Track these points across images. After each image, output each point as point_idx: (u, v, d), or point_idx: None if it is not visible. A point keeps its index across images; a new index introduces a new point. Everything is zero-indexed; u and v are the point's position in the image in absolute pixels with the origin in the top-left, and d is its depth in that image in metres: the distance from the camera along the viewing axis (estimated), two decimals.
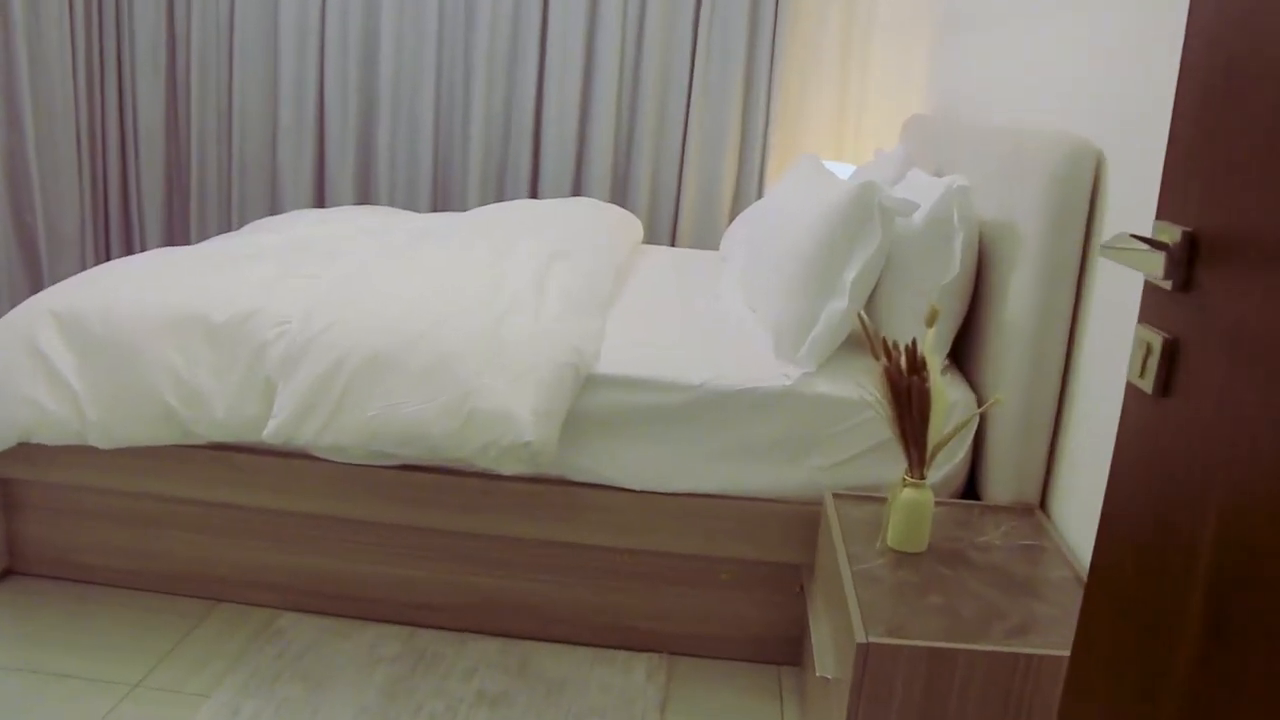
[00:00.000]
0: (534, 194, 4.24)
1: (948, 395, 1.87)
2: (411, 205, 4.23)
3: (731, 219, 4.24)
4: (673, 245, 4.23)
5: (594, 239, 2.95)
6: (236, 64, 4.19)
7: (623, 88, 4.12)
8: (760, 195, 4.17)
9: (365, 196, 4.29)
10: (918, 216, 2.21)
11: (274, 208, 4.33)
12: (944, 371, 2.29)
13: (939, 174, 2.82)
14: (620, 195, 4.25)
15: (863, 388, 2.19)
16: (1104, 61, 2.02)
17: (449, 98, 4.17)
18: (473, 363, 2.14)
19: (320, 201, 4.33)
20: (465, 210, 3.92)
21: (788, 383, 2.20)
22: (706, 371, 2.23)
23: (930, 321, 1.84)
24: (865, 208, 2.18)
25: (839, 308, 2.21)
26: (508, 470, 2.13)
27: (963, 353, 2.40)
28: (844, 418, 2.21)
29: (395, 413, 2.12)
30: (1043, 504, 2.15)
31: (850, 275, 2.20)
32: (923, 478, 1.88)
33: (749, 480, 2.22)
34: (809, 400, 2.21)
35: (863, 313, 1.91)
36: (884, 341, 1.86)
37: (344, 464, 2.25)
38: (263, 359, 2.24)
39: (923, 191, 2.32)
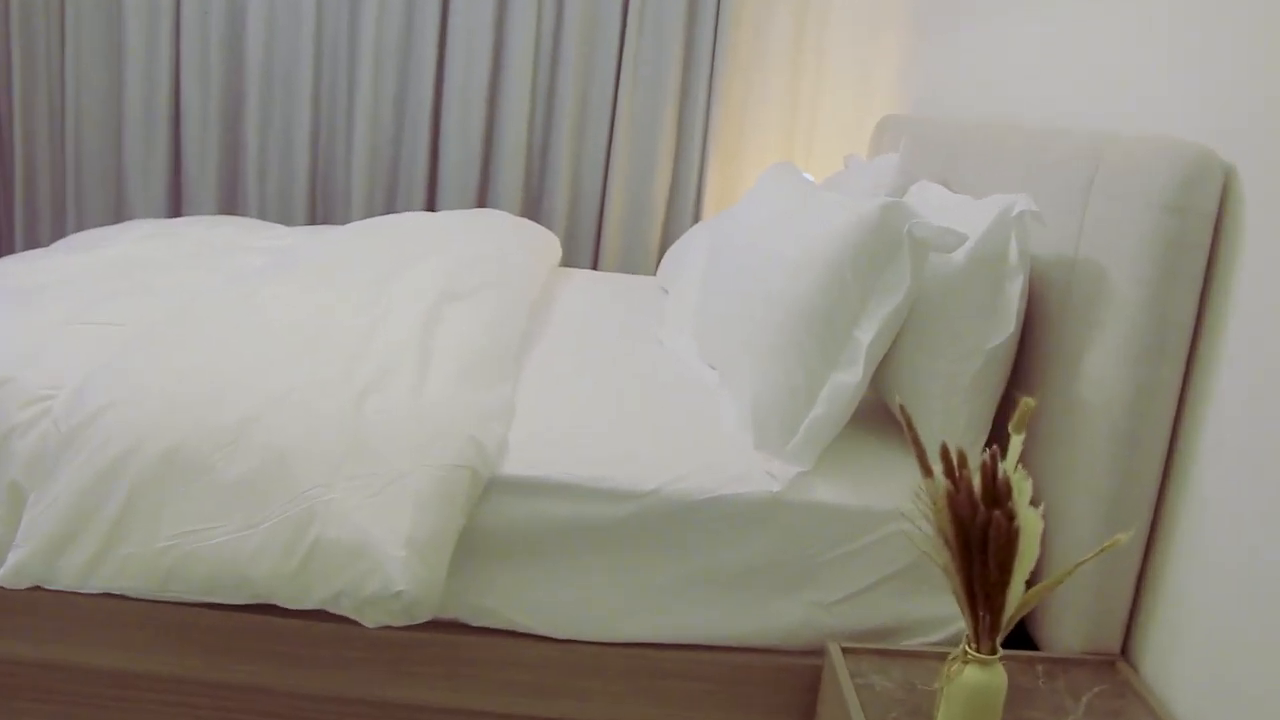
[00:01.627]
0: (431, 205, 3.50)
1: (1036, 536, 1.21)
2: (286, 217, 3.45)
3: (665, 236, 3.55)
4: (595, 268, 3.54)
5: (500, 270, 2.24)
6: (70, 42, 3.37)
7: (538, 80, 3.41)
8: (698, 208, 3.50)
9: (231, 205, 3.50)
10: (959, 252, 1.55)
11: (120, 217, 3.52)
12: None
13: (947, 187, 2.15)
14: (533, 207, 3.53)
15: (886, 496, 1.53)
16: (1213, 43, 1.38)
17: (330, 89, 3.40)
18: (318, 467, 1.42)
19: (176, 210, 3.53)
20: (346, 224, 3.17)
21: (776, 488, 1.53)
22: (660, 470, 1.54)
23: (1021, 425, 1.18)
24: (890, 240, 1.51)
25: (848, 382, 1.54)
26: (370, 624, 1.42)
27: (998, 441, 1.73)
28: (852, 535, 1.54)
29: (199, 543, 1.38)
30: (1125, 650, 1.52)
31: (865, 335, 1.53)
32: (994, 651, 1.23)
33: (721, 624, 1.54)
34: (804, 511, 1.54)
35: (902, 402, 1.26)
36: (944, 450, 1.19)
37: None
38: (7, 454, 1.49)
39: (952, 215, 1.66)
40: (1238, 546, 1.30)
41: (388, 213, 3.49)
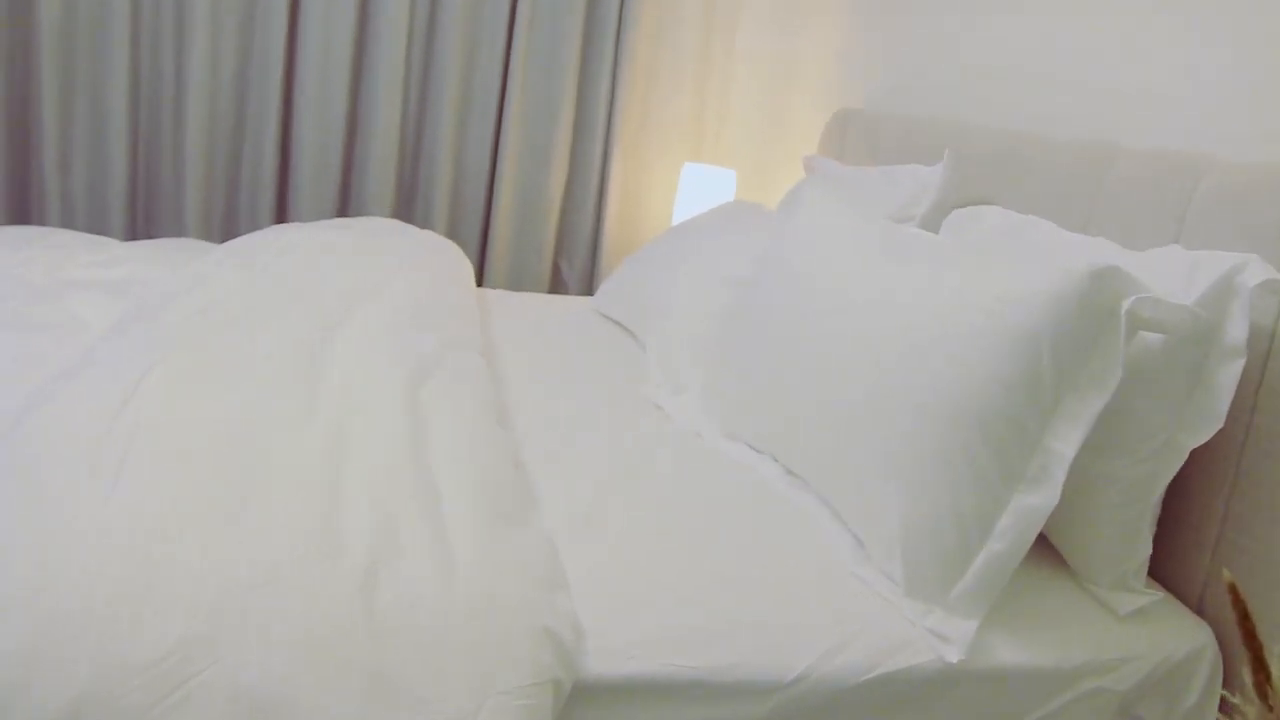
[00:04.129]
0: (281, 212, 2.80)
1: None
2: (97, 225, 2.65)
3: (560, 244, 3.01)
4: (481, 278, 2.96)
5: (450, 321, 1.67)
6: None
7: (412, 59, 2.77)
8: (600, 211, 2.97)
9: (23, 213, 2.66)
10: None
11: None
12: (1133, 585, 1.26)
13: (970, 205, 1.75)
14: (406, 208, 2.90)
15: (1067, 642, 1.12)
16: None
17: (153, 68, 2.62)
18: None
19: None
20: (181, 238, 2.44)
21: (955, 657, 1.09)
22: (797, 645, 1.06)
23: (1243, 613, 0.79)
24: (1099, 318, 1.08)
25: (1037, 506, 1.11)
26: None
27: (1172, 554, 1.36)
28: (1042, 700, 1.13)
29: None
30: None
31: (1064, 445, 1.10)
32: None
33: None
34: (987, 680, 1.10)
35: (1231, 578, 0.85)
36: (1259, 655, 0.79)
37: None
38: None
39: (1056, 253, 1.25)
40: None
41: (228, 217, 2.76)
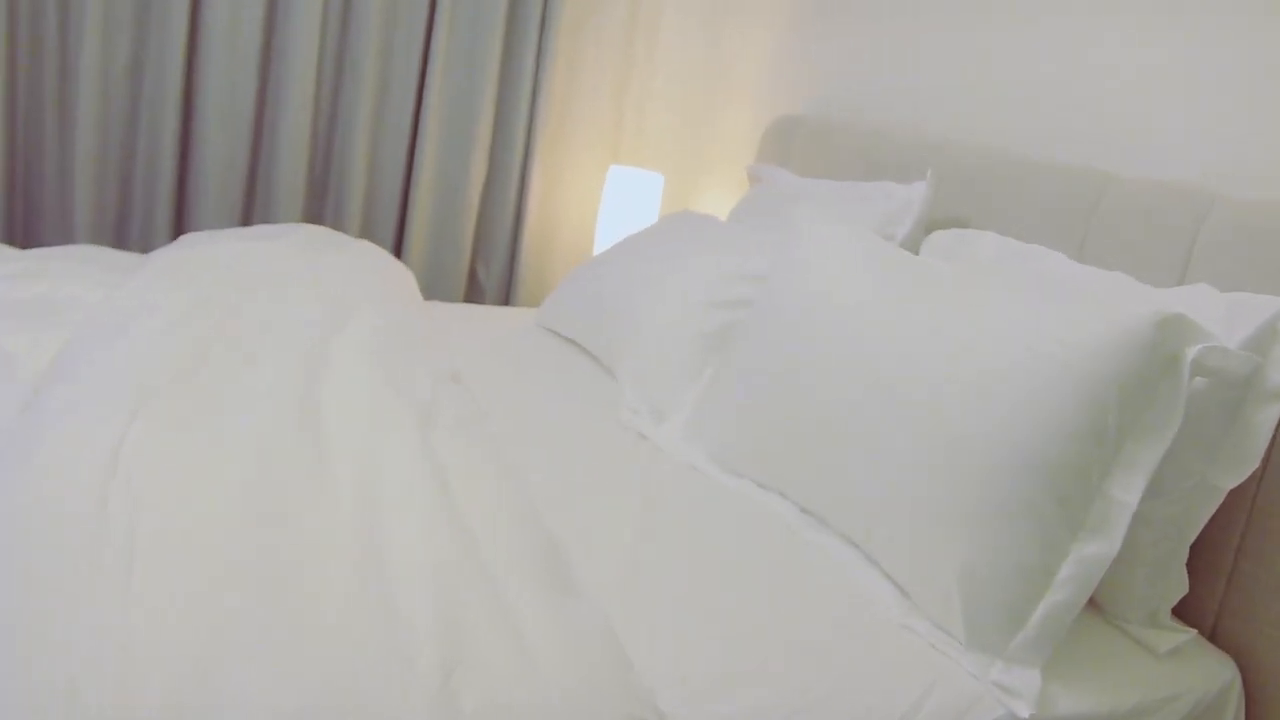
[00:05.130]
0: (180, 214, 2.54)
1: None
2: None
3: (477, 249, 2.86)
4: None
5: (424, 349, 1.54)
6: None
7: (325, 49, 2.57)
8: (520, 214, 2.84)
9: None
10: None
11: None
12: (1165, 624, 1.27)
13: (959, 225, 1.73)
14: (316, 206, 2.70)
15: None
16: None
17: (33, 53, 2.33)
18: None
19: None
20: (86, 245, 2.17)
21: (1025, 712, 1.05)
22: (870, 712, 1.01)
23: None
24: (1161, 365, 1.07)
25: (1098, 555, 1.08)
26: None
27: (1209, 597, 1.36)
28: None
29: None
30: None
31: (1126, 493, 1.08)
32: None
33: None
34: None
35: None
36: None
37: None
38: None
39: (1067, 287, 1.24)
40: None
41: (120, 220, 2.50)
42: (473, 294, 2.89)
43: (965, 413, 1.14)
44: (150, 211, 2.49)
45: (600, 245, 2.76)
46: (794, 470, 1.37)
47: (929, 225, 1.77)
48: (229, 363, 1.29)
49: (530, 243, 2.86)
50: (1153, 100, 1.58)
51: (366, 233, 2.72)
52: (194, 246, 1.81)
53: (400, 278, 1.90)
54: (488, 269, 2.87)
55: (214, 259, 1.72)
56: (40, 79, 2.33)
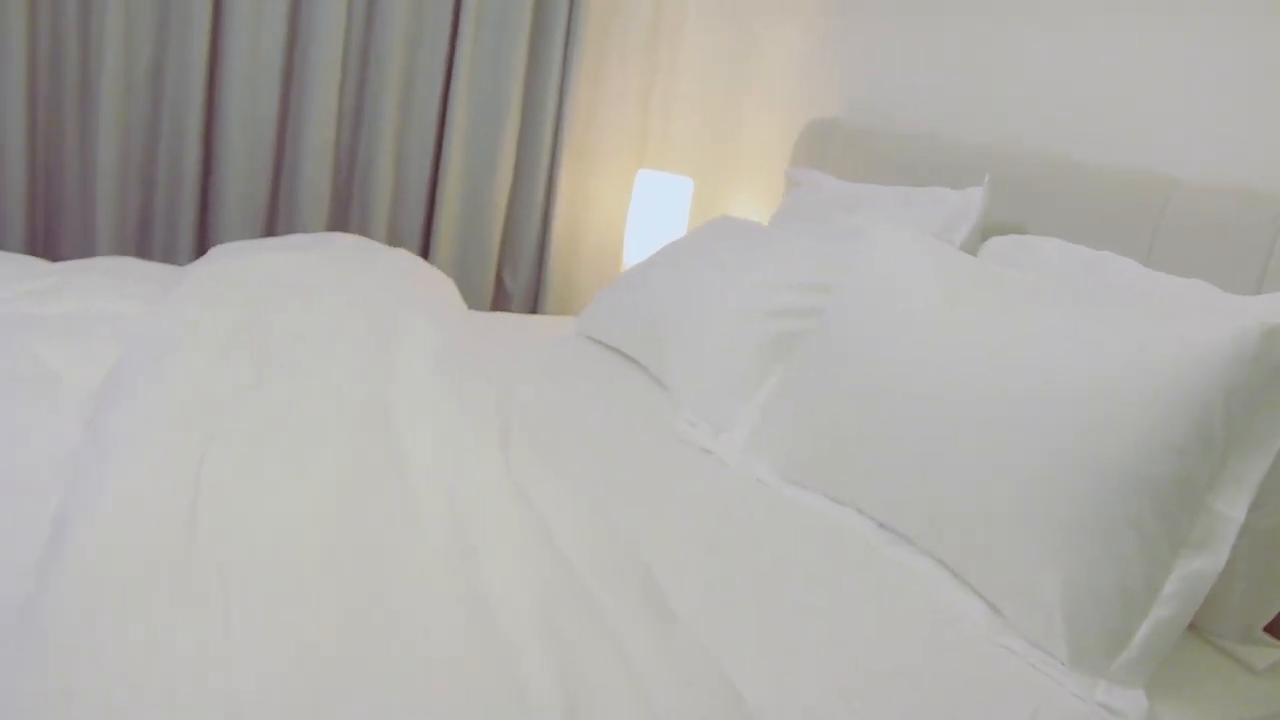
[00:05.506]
0: (203, 221, 2.50)
1: None
2: None
3: (503, 255, 2.83)
4: None
5: (476, 351, 1.51)
6: None
7: (350, 51, 2.53)
8: (547, 220, 2.81)
9: None
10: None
11: None
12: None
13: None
14: (341, 213, 2.67)
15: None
16: None
17: (53, 56, 2.28)
18: None
19: None
20: (117, 257, 2.13)
21: None
22: None
23: None
24: (1267, 376, 1.05)
25: (1204, 570, 1.06)
26: None
27: None
28: None
29: None
30: None
31: (1232, 508, 1.06)
32: None
33: None
34: None
35: None
36: None
37: None
38: None
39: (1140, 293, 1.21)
40: None
41: (142, 226, 2.45)
42: (499, 301, 2.86)
43: (1061, 425, 1.11)
44: (173, 218, 2.45)
45: (630, 250, 2.73)
46: (870, 484, 1.34)
47: (990, 230, 1.75)
48: (290, 383, 1.25)
49: (558, 249, 2.83)
50: (1213, 101, 1.56)
51: (393, 239, 2.69)
52: (233, 258, 1.77)
53: (443, 287, 1.87)
54: (515, 275, 2.84)
55: (255, 272, 1.68)
56: (61, 84, 2.29)
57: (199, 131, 2.40)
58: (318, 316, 1.49)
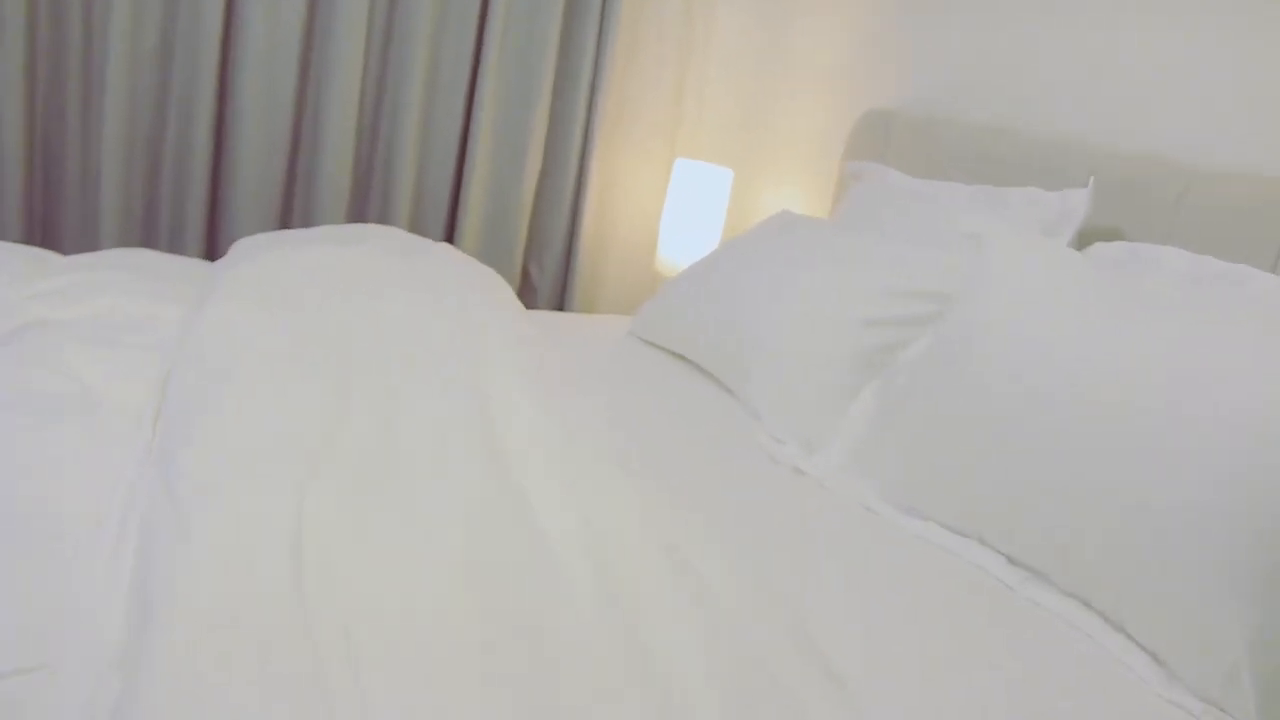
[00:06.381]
0: (214, 211, 2.34)
1: None
2: None
3: (530, 247, 2.69)
4: None
5: (555, 363, 1.38)
6: None
7: (373, 29, 2.37)
8: (577, 210, 2.67)
9: None
10: None
11: None
12: None
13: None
14: (361, 202, 2.51)
15: None
16: None
17: (54, 35, 2.11)
18: None
19: None
20: (130, 249, 1.96)
21: None
22: None
23: None
24: None
25: None
26: None
27: None
28: None
29: None
30: None
31: None
32: None
33: None
34: None
35: None
36: None
37: None
38: None
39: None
40: None
41: (148, 215, 2.28)
42: (525, 295, 2.71)
43: (1238, 453, 1.01)
44: (180, 208, 2.29)
45: (665, 243, 2.60)
46: (998, 515, 1.23)
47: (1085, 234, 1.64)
48: (380, 410, 1.11)
49: (586, 240, 2.69)
50: None
51: (415, 229, 2.54)
52: (268, 253, 1.62)
53: (500, 288, 1.73)
54: (541, 269, 2.70)
55: (298, 272, 1.53)
56: (62, 63, 2.12)
57: (210, 116, 2.24)
58: (390, 326, 1.35)
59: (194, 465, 0.95)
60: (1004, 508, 1.22)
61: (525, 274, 2.71)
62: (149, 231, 2.31)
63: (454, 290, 1.53)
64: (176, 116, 2.24)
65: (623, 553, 0.92)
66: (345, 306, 1.39)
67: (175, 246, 2.32)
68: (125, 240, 2.25)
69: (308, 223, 2.39)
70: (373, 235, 1.81)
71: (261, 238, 1.80)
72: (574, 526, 0.94)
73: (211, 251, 2.35)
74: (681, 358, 1.86)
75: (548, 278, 2.71)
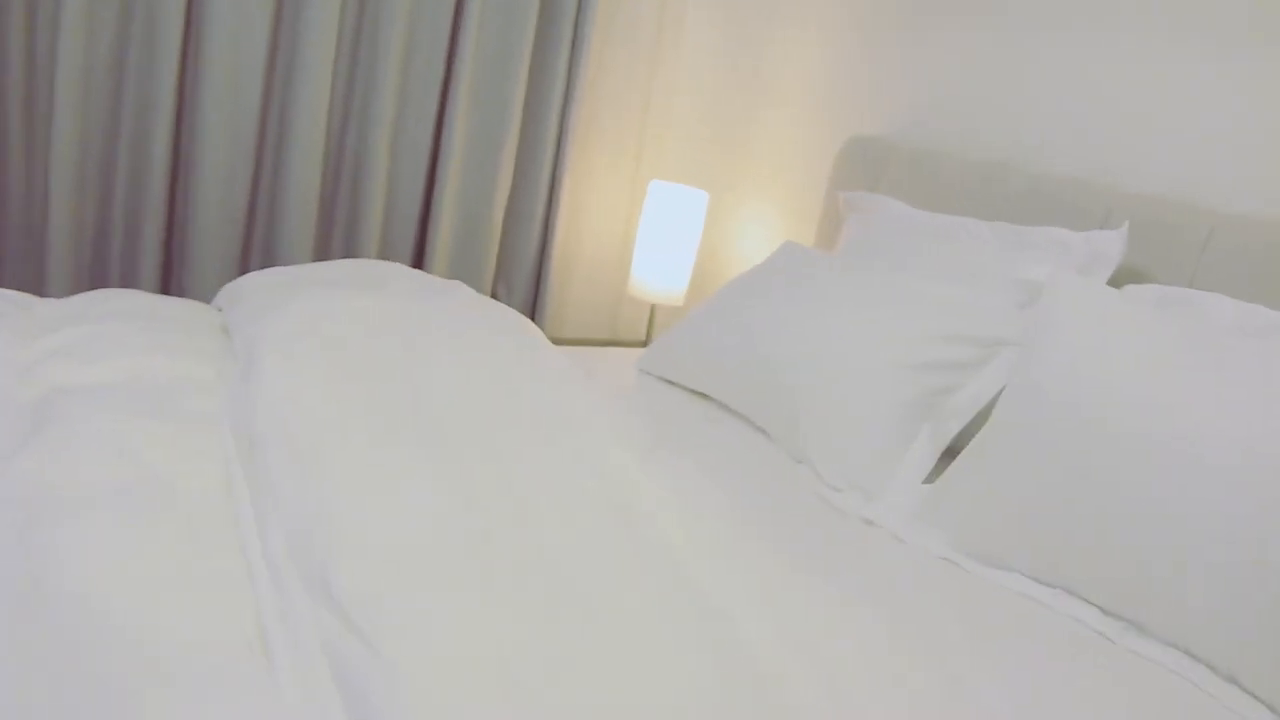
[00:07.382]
0: (169, 237, 2.17)
1: None
2: None
3: (499, 267, 2.60)
4: None
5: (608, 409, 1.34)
6: None
7: (342, 42, 2.24)
8: (548, 231, 2.59)
9: None
10: None
11: None
12: None
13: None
14: (326, 221, 2.37)
15: None
16: None
17: (24, 48, 1.91)
18: None
19: None
20: (113, 289, 1.78)
21: None
22: None
23: None
24: None
25: None
26: None
27: None
28: None
29: None
30: None
31: None
32: None
33: None
34: None
35: None
36: None
37: None
38: None
39: None
40: None
41: (97, 242, 2.09)
42: None
43: None
44: (134, 232, 2.11)
45: (640, 265, 2.55)
46: (1087, 565, 1.25)
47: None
48: (503, 490, 1.04)
49: (556, 261, 2.63)
50: None
51: (384, 249, 2.43)
52: (294, 301, 1.49)
53: (536, 331, 1.65)
54: (510, 290, 2.62)
55: (338, 327, 1.42)
56: (5, 78, 1.91)
57: (168, 134, 2.07)
58: (465, 391, 1.27)
59: (355, 585, 0.86)
60: (1092, 557, 1.24)
61: (494, 296, 2.63)
62: (98, 259, 2.12)
63: (511, 343, 1.46)
64: (130, 136, 2.06)
65: (840, 668, 0.89)
66: (413, 369, 1.30)
67: (128, 276, 2.14)
68: (75, 264, 2.07)
69: (272, 243, 2.25)
70: (391, 277, 1.70)
71: (269, 276, 1.68)
72: (771, 635, 0.90)
73: (168, 273, 2.18)
74: (704, 396, 1.83)
75: (516, 300, 2.63)
